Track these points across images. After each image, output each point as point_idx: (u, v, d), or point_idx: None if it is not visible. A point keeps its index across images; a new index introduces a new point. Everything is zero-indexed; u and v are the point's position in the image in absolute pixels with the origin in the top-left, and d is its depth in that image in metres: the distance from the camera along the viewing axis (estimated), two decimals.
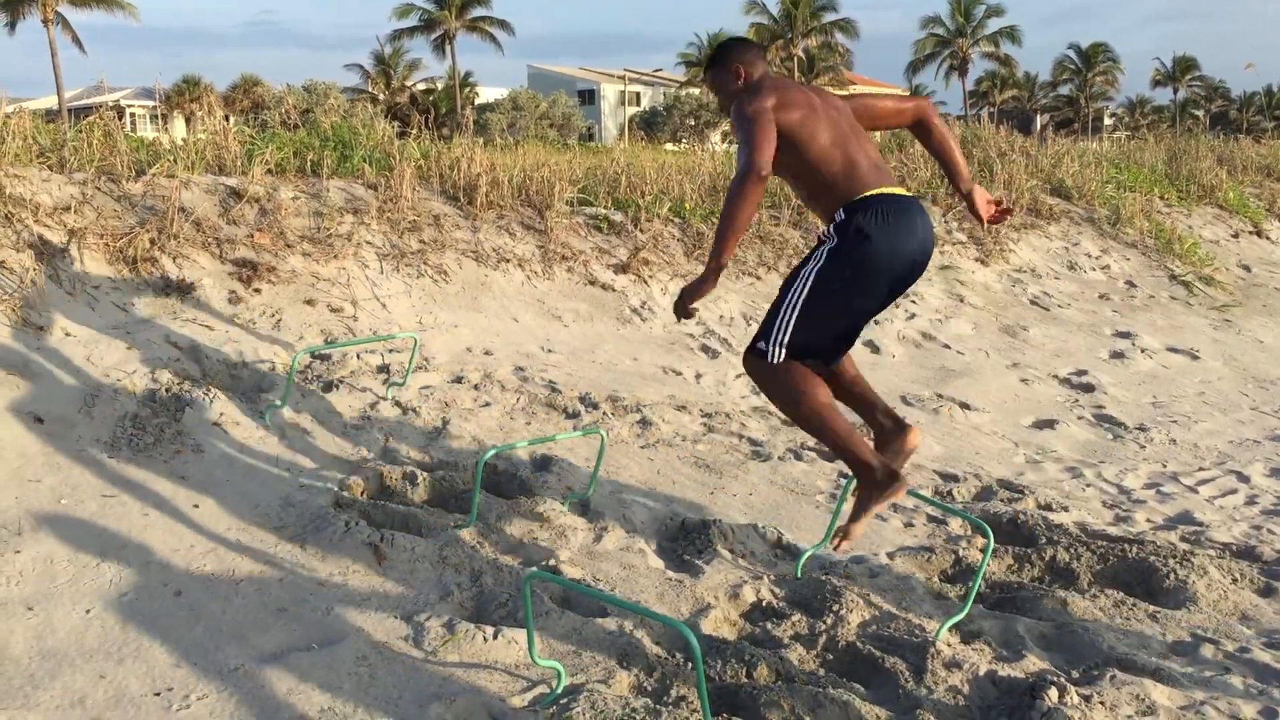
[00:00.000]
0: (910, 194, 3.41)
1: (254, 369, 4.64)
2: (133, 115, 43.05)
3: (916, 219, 3.34)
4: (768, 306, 3.49)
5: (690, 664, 2.98)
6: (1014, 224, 9.75)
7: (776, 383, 3.38)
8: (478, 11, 57.47)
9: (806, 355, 3.36)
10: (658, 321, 6.64)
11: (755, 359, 3.38)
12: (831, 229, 3.35)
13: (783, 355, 3.32)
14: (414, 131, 8.36)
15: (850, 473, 3.46)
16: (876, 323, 7.33)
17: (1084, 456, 5.60)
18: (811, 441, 5.18)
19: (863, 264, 3.28)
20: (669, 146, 28.21)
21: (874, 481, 3.31)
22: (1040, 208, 10.36)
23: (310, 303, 5.43)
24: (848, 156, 3.36)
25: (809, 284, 3.31)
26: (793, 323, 3.31)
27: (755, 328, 4.32)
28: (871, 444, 3.53)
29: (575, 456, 4.47)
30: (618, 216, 7.61)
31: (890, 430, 3.54)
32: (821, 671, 3.03)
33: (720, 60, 3.55)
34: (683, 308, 3.43)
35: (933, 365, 6.93)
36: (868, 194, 3.31)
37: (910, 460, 5.12)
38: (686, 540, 3.94)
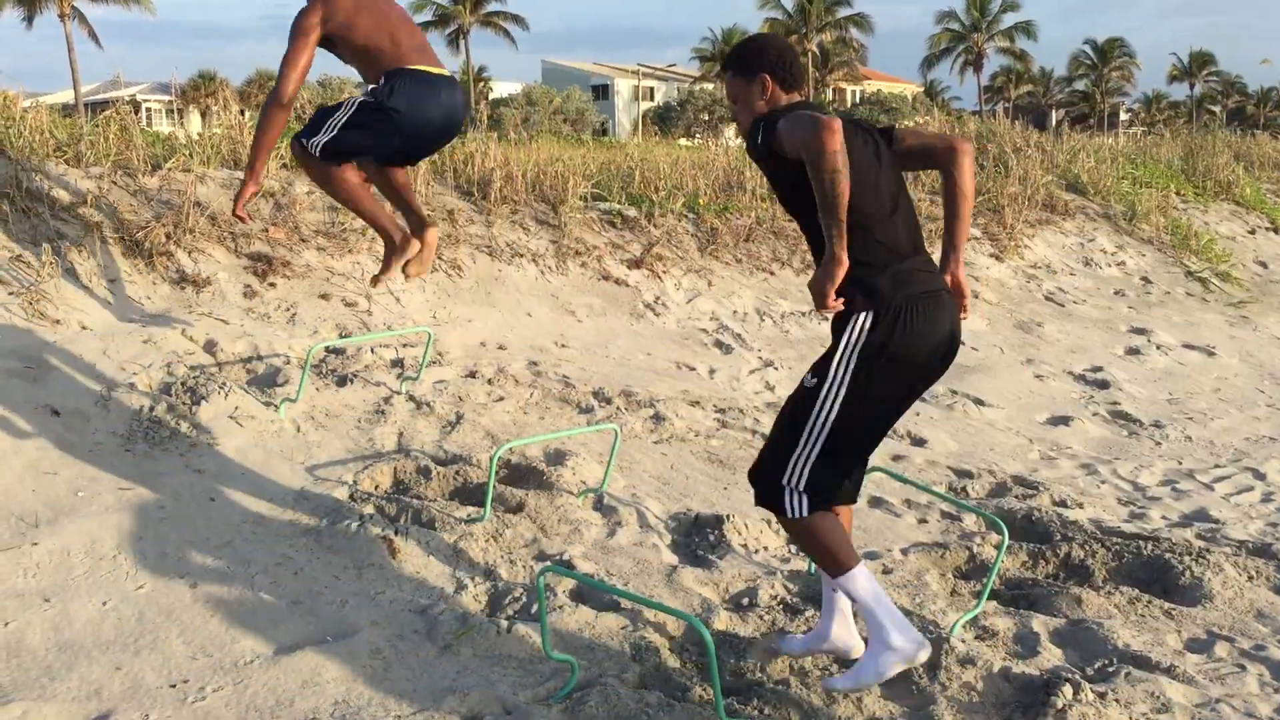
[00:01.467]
0: (446, 73, 4.31)
1: (269, 363, 4.65)
2: (148, 110, 43.24)
3: (441, 91, 4.24)
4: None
5: (704, 658, 2.98)
6: (1029, 219, 9.71)
7: (315, 167, 4.28)
8: (492, 6, 57.60)
9: (346, 155, 4.25)
10: (671, 316, 6.63)
11: (298, 147, 4.22)
12: (371, 88, 4.24)
13: (320, 145, 4.17)
14: None
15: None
16: None
17: (1099, 453, 5.58)
18: None
19: (390, 114, 4.15)
20: (683, 142, 28.20)
21: (393, 244, 4.51)
22: (1056, 203, 10.31)
23: (325, 297, 5.45)
24: (393, 39, 4.23)
25: (353, 107, 4.20)
26: (337, 129, 4.16)
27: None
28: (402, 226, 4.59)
29: (589, 451, 4.47)
30: (631, 212, 7.60)
31: (416, 225, 4.60)
32: (835, 667, 3.03)
33: None
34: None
35: None
36: (404, 67, 4.19)
37: (925, 456, 5.13)
38: (700, 535, 3.94)
